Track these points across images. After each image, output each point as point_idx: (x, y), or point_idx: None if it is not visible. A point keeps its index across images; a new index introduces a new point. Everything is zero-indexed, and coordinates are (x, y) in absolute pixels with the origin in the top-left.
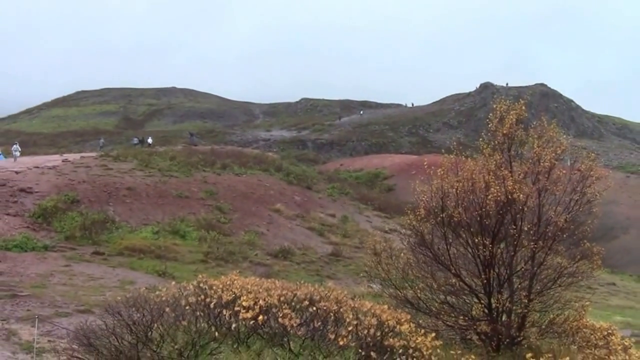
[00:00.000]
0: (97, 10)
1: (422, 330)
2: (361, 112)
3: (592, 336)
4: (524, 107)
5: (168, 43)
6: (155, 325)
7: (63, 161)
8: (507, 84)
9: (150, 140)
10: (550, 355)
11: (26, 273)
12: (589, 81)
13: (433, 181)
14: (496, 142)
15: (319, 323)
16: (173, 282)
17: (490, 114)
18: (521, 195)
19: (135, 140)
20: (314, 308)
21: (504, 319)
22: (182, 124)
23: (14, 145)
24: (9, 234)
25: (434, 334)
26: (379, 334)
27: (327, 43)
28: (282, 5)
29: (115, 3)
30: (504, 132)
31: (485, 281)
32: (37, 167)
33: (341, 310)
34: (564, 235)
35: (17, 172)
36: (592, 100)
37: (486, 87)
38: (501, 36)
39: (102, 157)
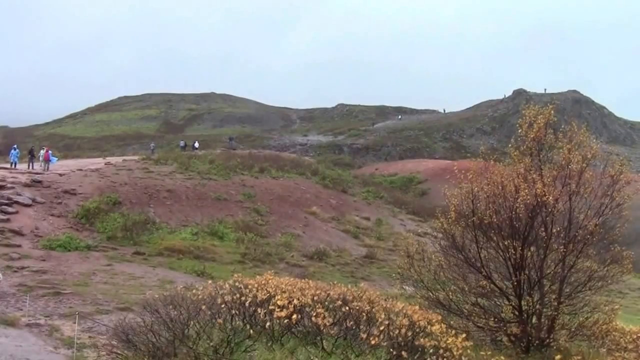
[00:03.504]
0: (170, 22)
1: (453, 331)
2: (399, 117)
3: (622, 339)
4: (552, 112)
5: (231, 54)
6: (192, 322)
7: (106, 164)
8: (545, 90)
9: (197, 145)
10: (579, 357)
11: (69, 272)
12: (635, 88)
13: (463, 185)
14: (526, 146)
15: (352, 322)
16: (210, 282)
17: (520, 119)
18: (551, 199)
19: (182, 144)
20: (347, 308)
21: (534, 321)
22: (221, 128)
23: (41, 151)
24: (54, 233)
25: (464, 335)
26: (410, 334)
27: (370, 54)
28: (335, 21)
29: (189, 16)
30: (533, 136)
31: (515, 284)
32: (81, 170)
33: (373, 310)
34: (594, 239)
35: (61, 175)
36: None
37: (519, 93)
38: (545, 44)
39: (144, 160)
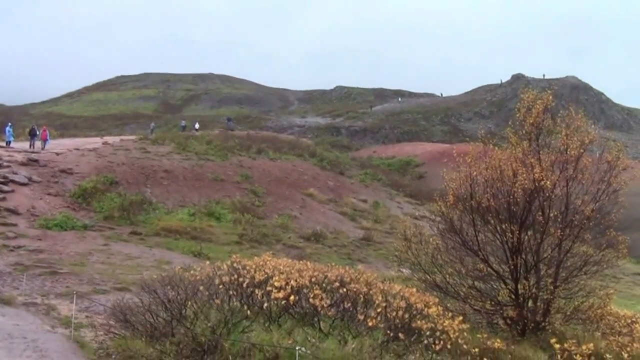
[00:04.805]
0: (181, 9)
1: (450, 314)
2: (399, 99)
3: (616, 324)
4: (550, 97)
5: (235, 40)
6: (190, 303)
7: (103, 144)
8: (544, 75)
9: (197, 126)
10: (574, 341)
11: (66, 251)
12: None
13: (462, 169)
14: (524, 131)
15: (349, 304)
16: (207, 262)
17: (518, 104)
18: (548, 183)
19: (183, 124)
20: (345, 289)
21: (529, 304)
22: (219, 109)
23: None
24: (50, 213)
25: (461, 318)
26: (407, 316)
27: (372, 41)
28: (339, 9)
29: (202, 3)
30: (531, 121)
31: (512, 267)
32: (78, 149)
33: (371, 292)
34: (591, 224)
35: (57, 154)
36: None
37: (517, 78)
38: (549, 34)
39: (141, 140)
